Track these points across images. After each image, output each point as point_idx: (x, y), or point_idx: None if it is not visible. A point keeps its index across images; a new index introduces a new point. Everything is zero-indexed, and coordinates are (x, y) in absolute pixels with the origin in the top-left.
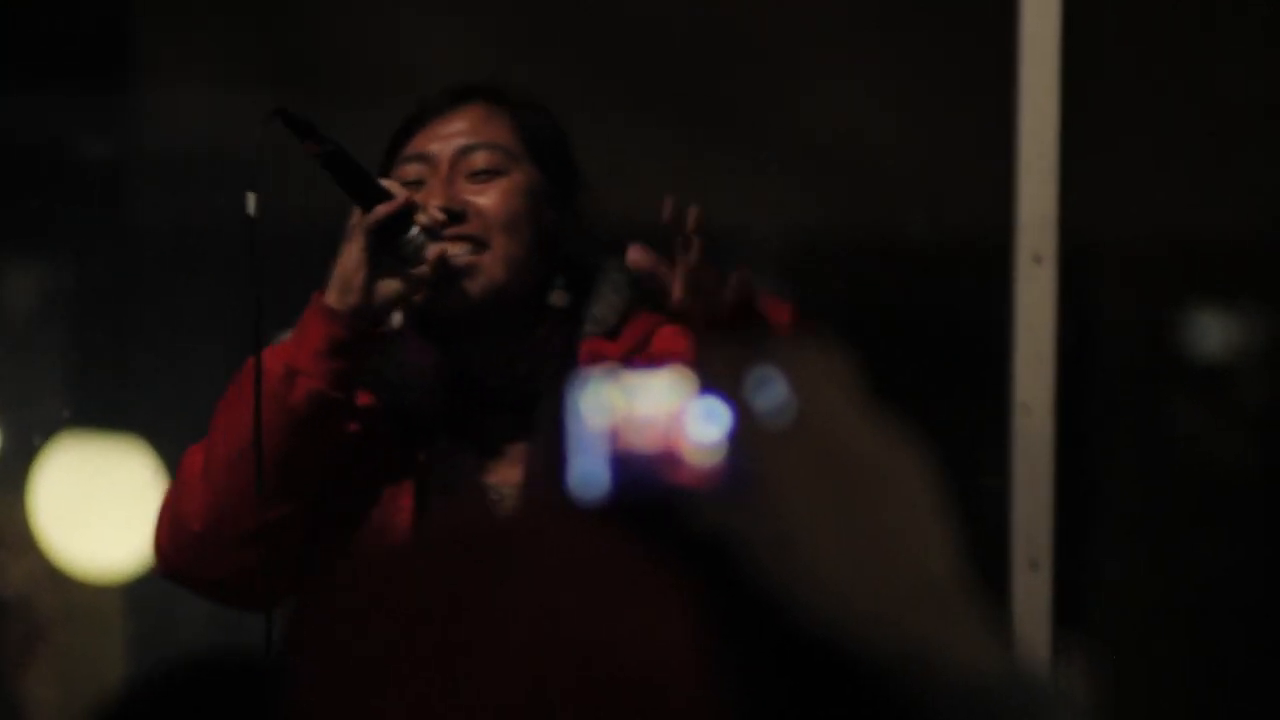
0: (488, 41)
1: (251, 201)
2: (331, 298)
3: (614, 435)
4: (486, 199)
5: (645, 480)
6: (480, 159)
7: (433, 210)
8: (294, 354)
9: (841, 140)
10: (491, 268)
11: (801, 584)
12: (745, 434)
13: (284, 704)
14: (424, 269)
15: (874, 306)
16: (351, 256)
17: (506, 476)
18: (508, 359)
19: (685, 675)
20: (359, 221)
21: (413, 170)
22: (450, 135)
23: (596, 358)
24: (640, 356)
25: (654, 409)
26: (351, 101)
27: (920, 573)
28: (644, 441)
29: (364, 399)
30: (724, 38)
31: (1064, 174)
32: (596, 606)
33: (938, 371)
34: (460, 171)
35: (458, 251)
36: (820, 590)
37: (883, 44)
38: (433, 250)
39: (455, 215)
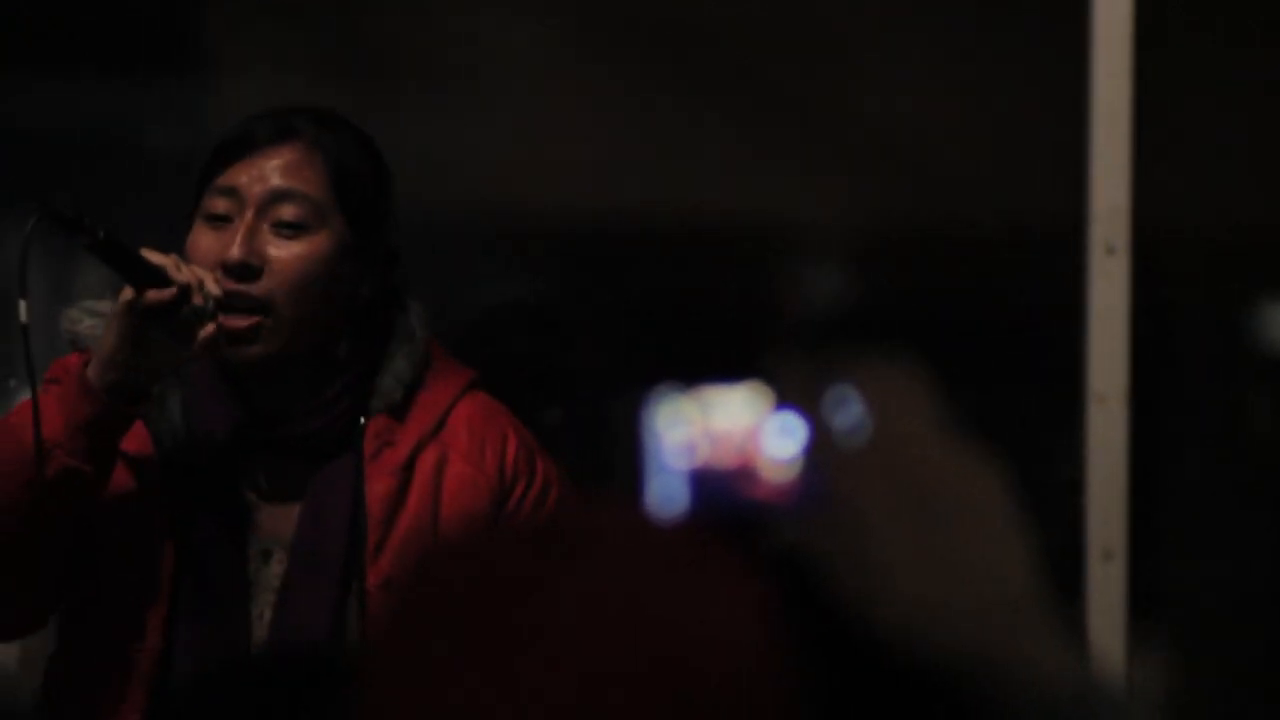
0: (549, 31)
1: (23, 309)
2: (93, 373)
3: (692, 451)
4: (285, 255)
5: (723, 496)
6: (289, 211)
7: (210, 287)
8: (52, 426)
9: (913, 132)
10: (273, 333)
11: (877, 597)
12: (821, 450)
13: (348, 700)
14: (195, 348)
15: (948, 299)
16: (116, 335)
17: (277, 530)
18: (299, 411)
19: (762, 684)
20: (129, 301)
21: (221, 205)
22: (264, 176)
23: (382, 440)
24: (432, 450)
25: (730, 424)
26: (416, 92)
27: (995, 586)
28: (722, 457)
29: (135, 444)
30: (795, 29)
31: (1137, 164)
32: (675, 615)
33: (1012, 363)
34: (267, 218)
35: (237, 322)
36: (895, 603)
37: (955, 33)
38: (204, 331)
39: (244, 271)
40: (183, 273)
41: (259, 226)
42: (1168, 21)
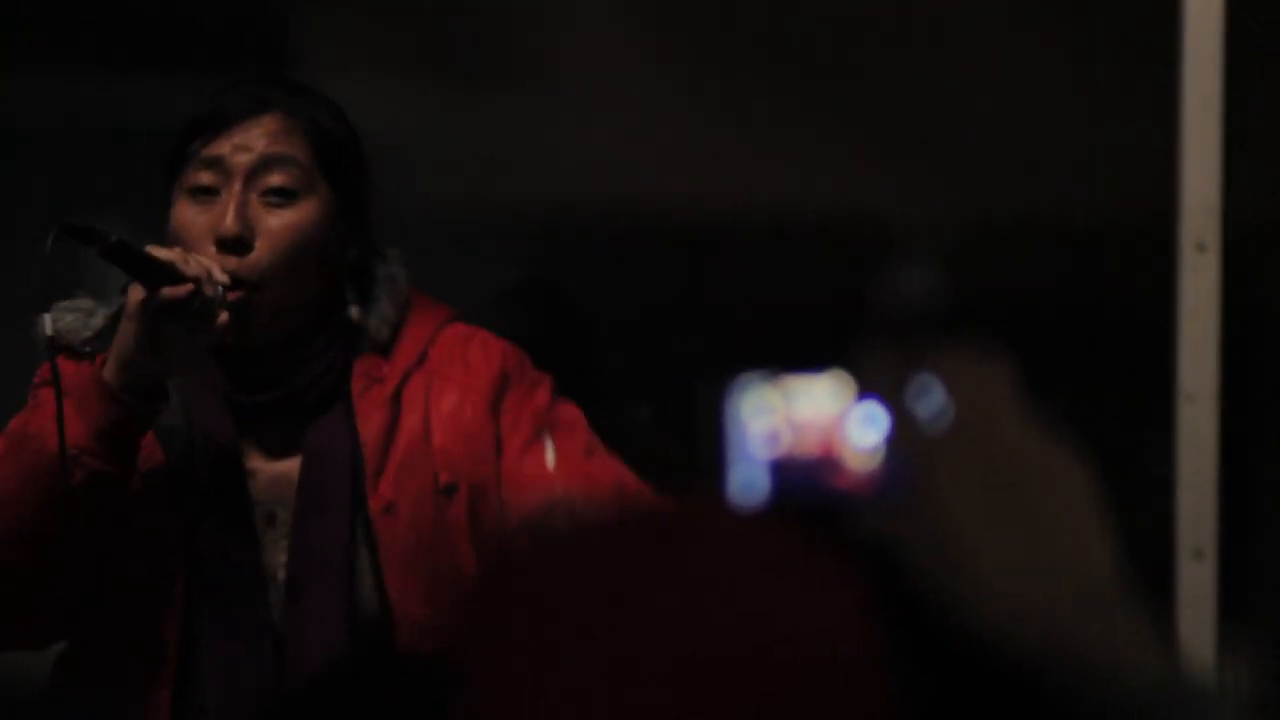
0: (646, 27)
1: (47, 322)
2: (110, 375)
3: (774, 439)
4: (278, 224)
5: (805, 485)
6: (277, 177)
7: (218, 275)
8: (74, 433)
9: (1003, 129)
10: (268, 305)
11: (961, 587)
12: (905, 439)
13: (453, 684)
14: (211, 338)
15: (1038, 296)
16: (133, 336)
17: (279, 491)
18: (290, 370)
19: (861, 677)
20: (142, 301)
21: (206, 177)
22: (248, 145)
23: (371, 378)
24: (419, 378)
25: (813, 413)
26: (510, 89)
27: (1080, 577)
28: (805, 446)
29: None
30: (888, 23)
31: (1228, 161)
32: (771, 608)
33: (1102, 360)
34: (255, 187)
35: (235, 296)
36: (980, 594)
37: (1046, 31)
38: (219, 320)
39: (238, 244)
40: (191, 266)
41: (248, 197)
42: (1259, 17)
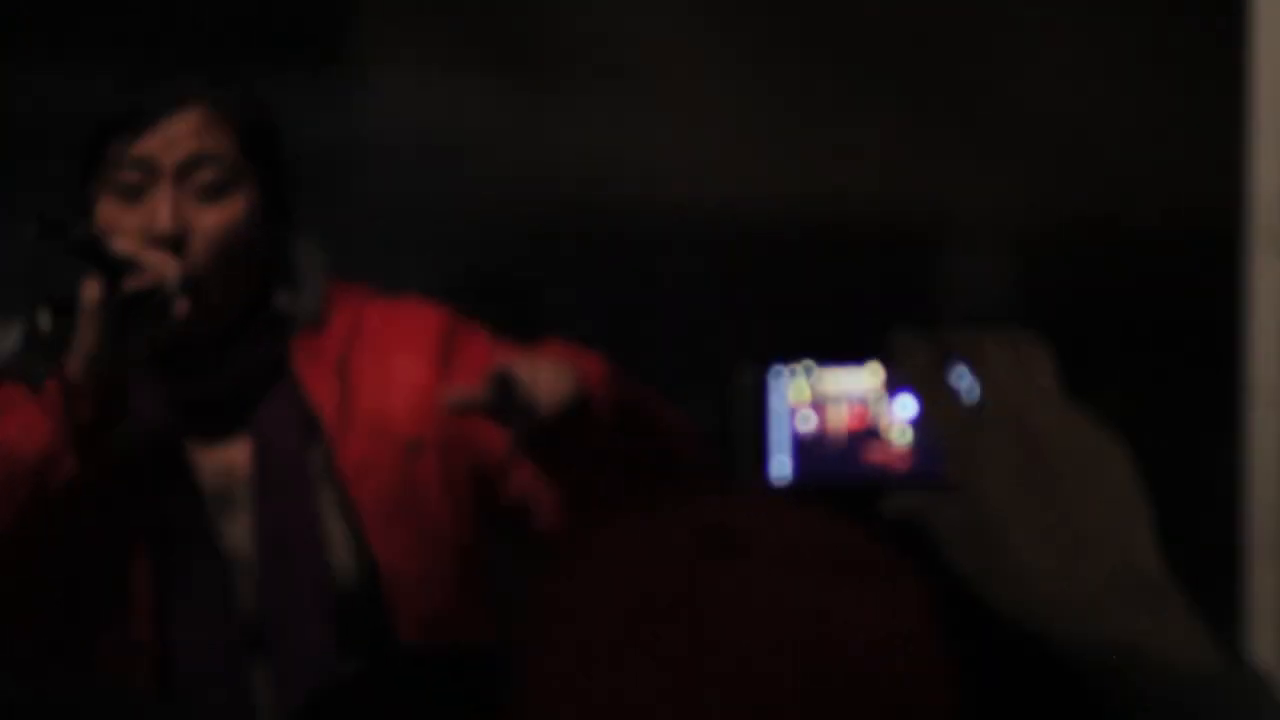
0: (709, 24)
1: (45, 317)
2: (76, 375)
3: (808, 422)
4: (211, 220)
5: (841, 468)
6: (206, 174)
7: (171, 274)
8: (46, 439)
9: (1071, 122)
10: (206, 300)
11: (998, 573)
12: (940, 424)
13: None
14: (171, 326)
15: (1104, 292)
16: (97, 332)
17: (230, 480)
18: (224, 363)
19: (918, 662)
20: (105, 297)
21: (133, 177)
22: (174, 141)
23: (312, 354)
24: (360, 346)
25: (849, 399)
26: (568, 86)
27: (1122, 565)
28: (840, 431)
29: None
30: (950, 21)
31: None
32: (828, 593)
33: (1170, 357)
34: (185, 185)
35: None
36: (1021, 580)
37: (1110, 21)
38: (179, 309)
39: (172, 242)
40: (150, 257)
41: (177, 194)
42: None
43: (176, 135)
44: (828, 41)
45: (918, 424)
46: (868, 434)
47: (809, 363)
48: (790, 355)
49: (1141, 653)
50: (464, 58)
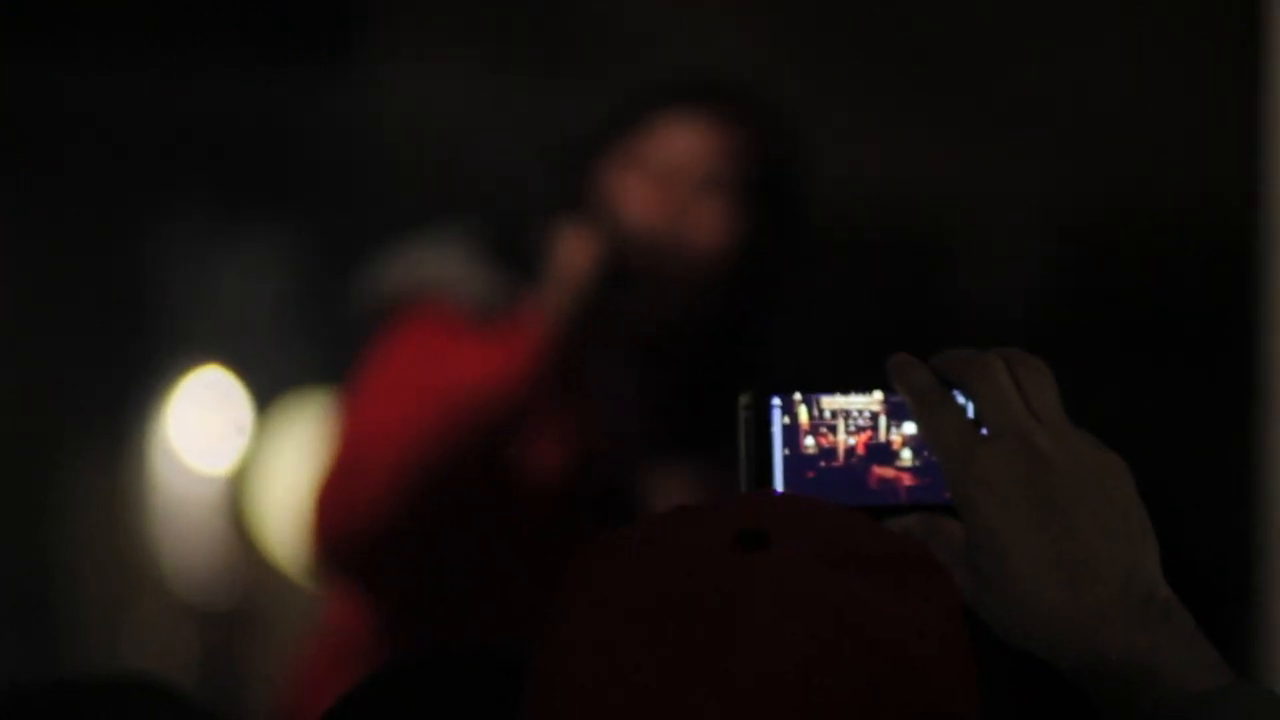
0: (726, 14)
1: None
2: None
3: (811, 445)
4: None
5: (844, 491)
6: None
7: None
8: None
9: (1095, 116)
10: None
11: (1003, 595)
12: (938, 447)
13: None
14: None
15: (1119, 292)
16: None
17: None
18: None
19: (955, 671)
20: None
21: None
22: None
23: None
24: None
25: (851, 420)
26: (582, 74)
27: (1125, 585)
28: (841, 452)
29: None
30: (977, 18)
31: None
32: (875, 605)
33: (1189, 352)
34: None
35: None
36: (1023, 603)
37: (1133, 16)
38: None
39: None
40: None
41: None
42: None
43: None
44: (864, 44)
45: (918, 446)
46: (871, 456)
47: (811, 391)
48: (794, 380)
49: (1147, 673)
50: (477, 46)
